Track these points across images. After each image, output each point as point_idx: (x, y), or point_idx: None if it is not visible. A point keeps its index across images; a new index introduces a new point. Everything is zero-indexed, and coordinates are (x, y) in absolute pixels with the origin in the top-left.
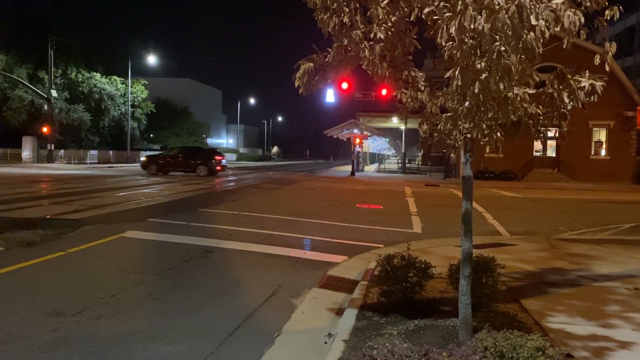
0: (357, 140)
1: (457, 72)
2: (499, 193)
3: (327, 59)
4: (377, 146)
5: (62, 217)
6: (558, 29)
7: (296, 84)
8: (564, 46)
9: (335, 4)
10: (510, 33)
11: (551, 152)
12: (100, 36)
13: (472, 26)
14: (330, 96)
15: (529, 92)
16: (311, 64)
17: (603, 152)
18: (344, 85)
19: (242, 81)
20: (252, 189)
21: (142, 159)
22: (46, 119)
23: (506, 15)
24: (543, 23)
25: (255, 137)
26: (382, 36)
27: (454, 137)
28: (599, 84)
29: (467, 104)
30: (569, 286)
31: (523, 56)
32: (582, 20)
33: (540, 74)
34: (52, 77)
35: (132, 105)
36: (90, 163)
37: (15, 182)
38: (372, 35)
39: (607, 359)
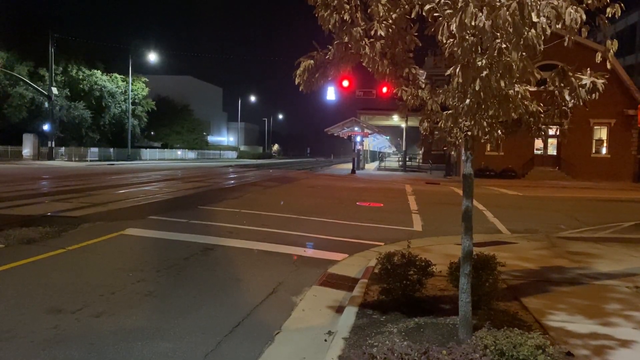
0: (358, 138)
1: (457, 70)
2: (499, 191)
3: (327, 56)
4: (377, 144)
5: (62, 215)
6: (559, 26)
7: (296, 82)
8: (565, 44)
9: (335, 1)
10: (511, 30)
11: (552, 150)
12: (101, 33)
13: (473, 23)
14: (330, 94)
15: (530, 89)
16: (311, 62)
17: (604, 151)
18: (345, 83)
19: (243, 79)
20: (252, 187)
21: None
22: (47, 116)
23: (507, 12)
24: (544, 20)
25: (256, 135)
26: (382, 33)
27: (454, 135)
28: (600, 82)
29: (467, 101)
30: (569, 284)
31: (524, 53)
32: (584, 17)
33: (542, 72)
34: (53, 75)
35: (133, 103)
36: (90, 160)
37: (16, 179)
38: (372, 32)
39: (607, 358)
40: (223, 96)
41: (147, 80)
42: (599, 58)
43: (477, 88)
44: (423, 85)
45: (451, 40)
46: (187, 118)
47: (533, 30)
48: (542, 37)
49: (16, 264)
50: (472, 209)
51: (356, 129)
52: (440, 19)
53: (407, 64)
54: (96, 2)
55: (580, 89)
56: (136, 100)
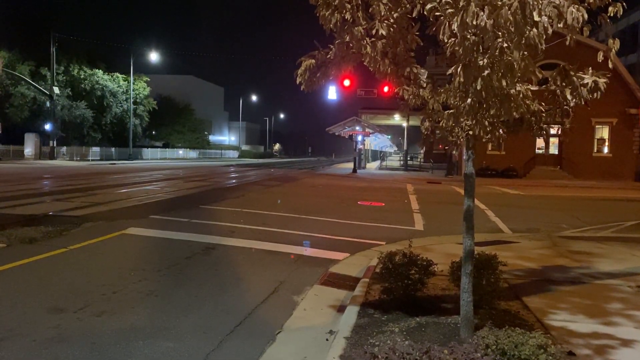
0: (359, 138)
1: (459, 69)
2: (501, 190)
3: (328, 56)
4: (379, 143)
5: (64, 214)
6: (561, 25)
7: (298, 81)
8: (567, 43)
9: (337, 0)
10: (512, 29)
11: (553, 150)
12: (103, 33)
13: (474, 22)
14: (332, 93)
15: (532, 89)
16: (313, 61)
17: (605, 150)
18: (346, 82)
19: (244, 78)
20: (254, 186)
21: None
22: (48, 116)
23: (509, 11)
24: (546, 19)
25: (257, 135)
26: (384, 32)
27: (456, 134)
28: (602, 81)
29: (469, 100)
30: (571, 284)
31: (526, 53)
32: (586, 16)
33: (543, 71)
34: (54, 74)
35: (134, 102)
36: (92, 160)
37: (18, 179)
38: (374, 31)
39: (609, 357)
40: (224, 96)
41: (149, 79)
42: (600, 57)
43: (478, 87)
44: (424, 85)
45: (453, 39)
46: (188, 117)
47: (535, 30)
48: (544, 37)
49: (18, 263)
50: (473, 208)
51: (357, 128)
52: (442, 18)
53: (409, 63)
54: (98, 1)
55: (582, 88)
56: (138, 100)
